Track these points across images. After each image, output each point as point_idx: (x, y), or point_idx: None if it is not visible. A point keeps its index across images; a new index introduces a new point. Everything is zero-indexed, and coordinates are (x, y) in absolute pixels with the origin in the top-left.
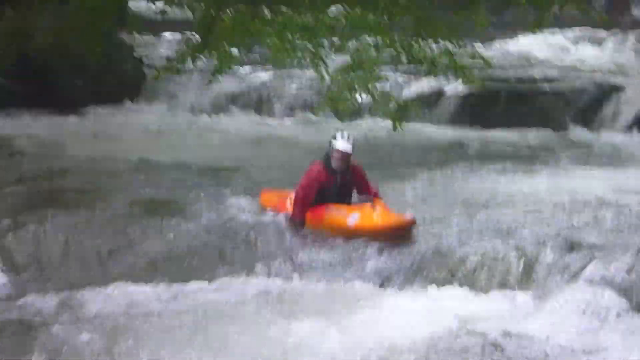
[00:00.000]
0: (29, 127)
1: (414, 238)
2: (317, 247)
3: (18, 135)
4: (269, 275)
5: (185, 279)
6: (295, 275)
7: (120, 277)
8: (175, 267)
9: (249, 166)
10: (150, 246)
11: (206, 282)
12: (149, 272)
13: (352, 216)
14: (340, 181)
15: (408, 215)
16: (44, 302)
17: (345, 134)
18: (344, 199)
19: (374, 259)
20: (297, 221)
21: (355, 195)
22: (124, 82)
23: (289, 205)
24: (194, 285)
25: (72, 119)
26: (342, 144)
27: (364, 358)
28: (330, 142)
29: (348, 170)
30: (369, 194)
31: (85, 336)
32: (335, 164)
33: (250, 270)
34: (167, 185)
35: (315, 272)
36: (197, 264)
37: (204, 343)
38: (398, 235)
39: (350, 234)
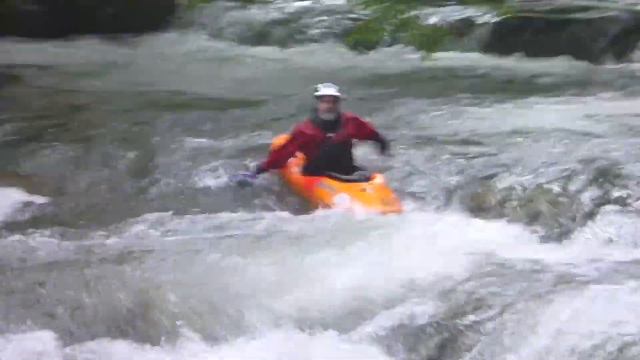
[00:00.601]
0: (61, 54)
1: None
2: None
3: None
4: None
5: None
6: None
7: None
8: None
9: (271, 99)
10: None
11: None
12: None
13: (340, 196)
14: (329, 138)
15: (398, 206)
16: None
17: (328, 82)
18: (341, 158)
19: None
20: (260, 168)
21: (358, 161)
22: (155, 11)
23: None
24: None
25: (100, 46)
26: (326, 89)
27: (387, 285)
28: (314, 95)
29: (340, 122)
30: (373, 136)
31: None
32: (323, 113)
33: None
34: (189, 119)
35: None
36: (204, 201)
37: (229, 270)
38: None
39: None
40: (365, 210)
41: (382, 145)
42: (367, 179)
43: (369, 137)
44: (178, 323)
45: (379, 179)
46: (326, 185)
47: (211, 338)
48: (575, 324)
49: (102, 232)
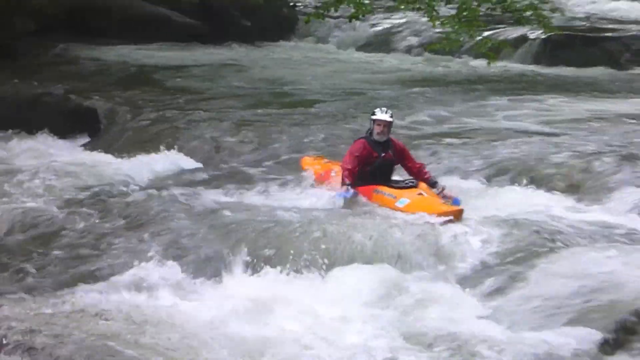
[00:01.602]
0: (206, 56)
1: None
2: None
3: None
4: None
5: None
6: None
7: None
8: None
9: (361, 93)
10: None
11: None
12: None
13: (401, 200)
14: (384, 157)
15: (457, 205)
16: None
17: (384, 108)
18: (387, 174)
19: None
20: (348, 183)
21: (399, 176)
22: (281, 24)
23: (334, 174)
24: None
25: (239, 50)
26: (381, 115)
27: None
28: (370, 118)
29: (390, 144)
30: (415, 168)
31: None
32: (377, 135)
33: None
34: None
35: None
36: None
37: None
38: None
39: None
40: (431, 212)
41: (428, 184)
42: (417, 185)
43: (411, 170)
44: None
45: (424, 186)
46: (385, 192)
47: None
48: (596, 271)
49: (236, 189)
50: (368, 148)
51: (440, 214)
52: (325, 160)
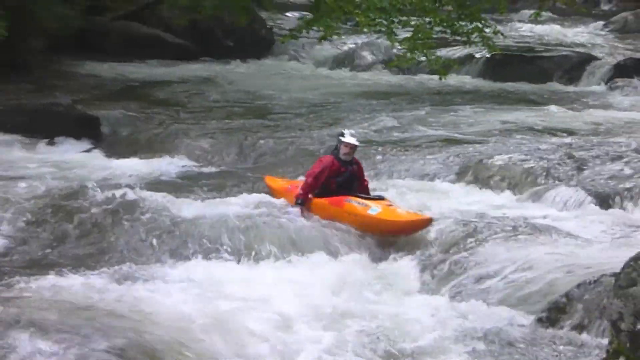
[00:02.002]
0: (193, 71)
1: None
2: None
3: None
4: None
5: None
6: None
7: None
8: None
9: (328, 104)
10: None
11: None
12: None
13: (373, 209)
14: (349, 173)
15: (427, 214)
16: None
17: (352, 131)
18: (352, 187)
19: None
20: (301, 198)
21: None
22: (260, 44)
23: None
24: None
25: (223, 67)
26: (350, 139)
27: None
28: (339, 139)
29: (354, 163)
30: (364, 185)
31: None
32: (344, 155)
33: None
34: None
35: None
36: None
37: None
38: (412, 231)
39: (369, 224)
40: (402, 220)
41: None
42: (383, 198)
43: (362, 185)
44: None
45: (389, 198)
46: (356, 201)
47: None
48: (538, 261)
49: (235, 187)
50: (336, 164)
51: (411, 222)
52: (287, 179)
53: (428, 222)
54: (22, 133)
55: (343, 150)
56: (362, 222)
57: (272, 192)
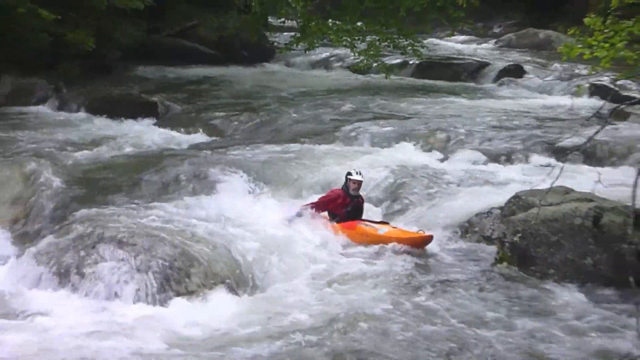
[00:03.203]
0: (223, 72)
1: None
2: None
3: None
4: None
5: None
6: None
7: None
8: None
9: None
10: None
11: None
12: None
13: (382, 229)
14: (355, 205)
15: (428, 233)
16: None
17: (358, 170)
18: (359, 215)
19: None
20: (303, 208)
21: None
22: (264, 53)
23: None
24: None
25: (241, 69)
26: (357, 177)
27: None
28: (347, 177)
29: (359, 196)
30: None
31: None
32: (352, 190)
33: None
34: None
35: None
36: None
37: None
38: (416, 247)
39: (378, 242)
40: (407, 237)
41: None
42: (387, 222)
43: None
44: None
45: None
46: (367, 224)
47: None
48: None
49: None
50: (344, 196)
51: (414, 239)
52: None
53: (429, 239)
54: (107, 115)
55: (352, 186)
56: (372, 241)
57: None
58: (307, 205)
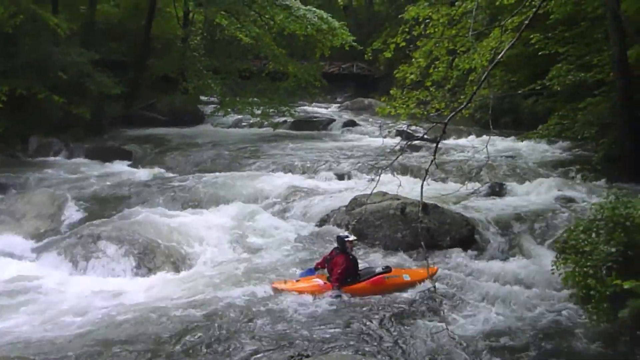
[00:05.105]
0: (171, 130)
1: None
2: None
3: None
4: None
5: None
6: None
7: None
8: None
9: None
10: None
11: None
12: None
13: (404, 276)
14: (354, 260)
15: (434, 268)
16: None
17: (348, 233)
18: (354, 271)
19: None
20: (340, 284)
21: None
22: (198, 118)
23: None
24: None
25: (184, 129)
26: (352, 237)
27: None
28: (345, 240)
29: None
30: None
31: None
32: (350, 250)
33: None
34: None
35: None
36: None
37: None
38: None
39: (404, 286)
40: (425, 276)
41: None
42: (391, 268)
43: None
44: None
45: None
46: (390, 276)
47: None
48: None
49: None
50: (349, 257)
51: (429, 274)
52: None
53: (436, 270)
54: (100, 160)
55: (349, 246)
56: (400, 287)
57: (282, 292)
58: (338, 280)
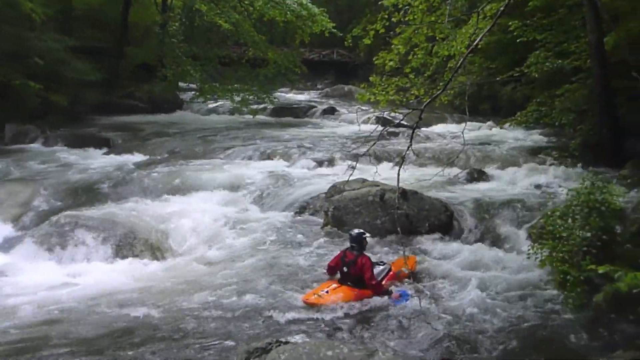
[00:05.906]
0: (149, 117)
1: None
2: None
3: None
4: None
5: None
6: None
7: None
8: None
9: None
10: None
11: None
12: None
13: (404, 269)
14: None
15: (412, 257)
16: None
17: (358, 230)
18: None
19: None
20: (384, 289)
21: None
22: (177, 105)
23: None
24: None
25: (162, 116)
26: (367, 235)
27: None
28: (364, 237)
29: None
30: None
31: None
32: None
33: None
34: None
35: None
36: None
37: None
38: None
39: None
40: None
41: None
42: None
43: None
44: None
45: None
46: (396, 272)
47: None
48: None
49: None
50: (369, 257)
51: (408, 267)
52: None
53: (415, 260)
54: (78, 147)
55: (365, 244)
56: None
57: (317, 304)
58: (381, 285)
